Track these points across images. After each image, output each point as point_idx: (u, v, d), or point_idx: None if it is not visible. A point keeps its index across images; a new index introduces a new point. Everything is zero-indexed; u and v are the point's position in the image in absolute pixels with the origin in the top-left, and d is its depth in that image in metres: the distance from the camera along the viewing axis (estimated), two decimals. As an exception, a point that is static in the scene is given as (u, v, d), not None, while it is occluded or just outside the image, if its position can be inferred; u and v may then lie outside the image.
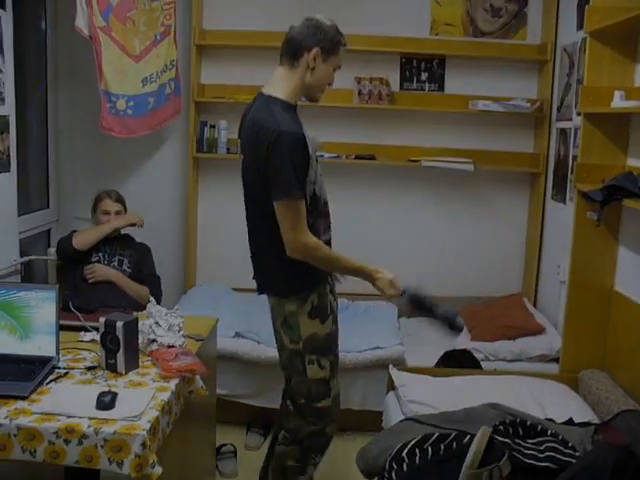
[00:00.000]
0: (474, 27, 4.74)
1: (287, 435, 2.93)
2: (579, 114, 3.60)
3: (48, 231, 4.89)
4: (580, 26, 3.99)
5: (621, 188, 3.00)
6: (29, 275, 4.46)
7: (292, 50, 2.67)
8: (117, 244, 3.99)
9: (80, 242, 3.83)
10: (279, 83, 2.70)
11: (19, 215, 4.07)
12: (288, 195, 2.56)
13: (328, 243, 2.83)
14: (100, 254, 3.92)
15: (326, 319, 2.80)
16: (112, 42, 4.15)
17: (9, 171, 3.83)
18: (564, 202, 4.25)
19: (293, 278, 2.75)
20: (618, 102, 3.13)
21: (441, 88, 4.81)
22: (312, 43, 2.63)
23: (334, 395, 2.87)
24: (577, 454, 2.45)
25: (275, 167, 2.55)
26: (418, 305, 2.86)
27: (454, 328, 2.86)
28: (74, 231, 3.97)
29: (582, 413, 3.04)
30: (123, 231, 4.06)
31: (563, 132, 4.33)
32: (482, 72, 4.76)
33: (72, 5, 4.02)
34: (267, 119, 2.58)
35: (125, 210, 4.04)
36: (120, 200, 4.03)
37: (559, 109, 4.43)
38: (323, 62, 2.67)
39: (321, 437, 2.89)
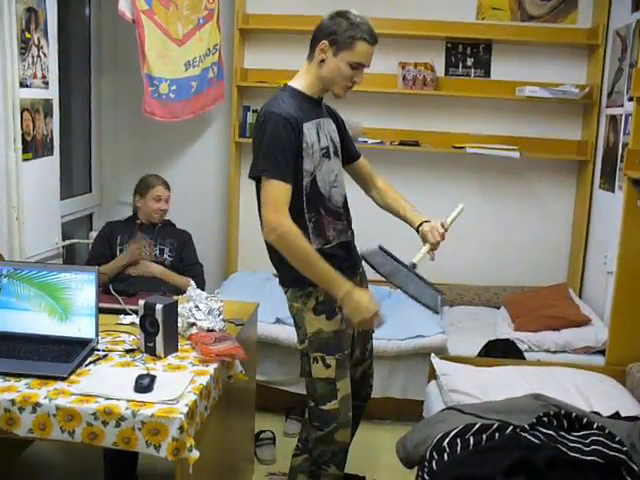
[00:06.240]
0: (522, 11, 4.62)
1: (299, 445, 2.85)
2: (631, 99, 3.49)
3: (90, 215, 4.94)
4: (636, 7, 3.87)
5: (674, 175, 2.91)
6: (71, 258, 4.51)
7: (310, 42, 2.66)
8: (158, 232, 3.93)
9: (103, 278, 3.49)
10: (300, 75, 2.73)
11: (62, 199, 4.11)
12: (262, 174, 2.56)
13: (340, 246, 2.73)
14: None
15: (333, 316, 2.66)
16: (155, 26, 4.14)
17: (52, 154, 3.87)
18: (612, 191, 4.14)
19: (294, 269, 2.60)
20: (673, 86, 3.03)
21: (487, 74, 4.72)
22: (322, 36, 2.60)
23: (342, 397, 2.69)
24: (624, 449, 2.38)
25: (256, 145, 2.58)
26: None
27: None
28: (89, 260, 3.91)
29: (629, 407, 2.96)
30: (165, 217, 4.01)
31: (613, 119, 4.21)
32: (529, 57, 4.65)
33: (115, -11, 4.04)
34: (266, 104, 2.62)
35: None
36: (169, 187, 3.98)
37: (609, 95, 4.31)
38: (333, 56, 2.58)
39: (330, 444, 2.70)
